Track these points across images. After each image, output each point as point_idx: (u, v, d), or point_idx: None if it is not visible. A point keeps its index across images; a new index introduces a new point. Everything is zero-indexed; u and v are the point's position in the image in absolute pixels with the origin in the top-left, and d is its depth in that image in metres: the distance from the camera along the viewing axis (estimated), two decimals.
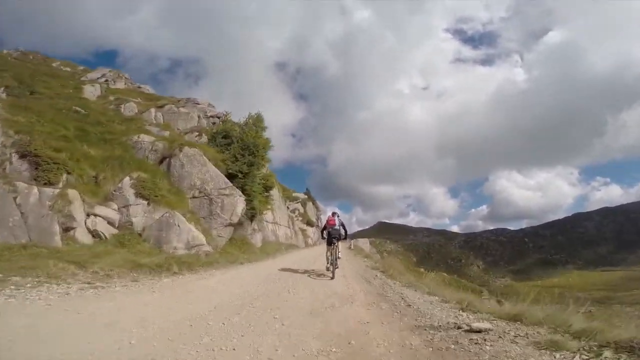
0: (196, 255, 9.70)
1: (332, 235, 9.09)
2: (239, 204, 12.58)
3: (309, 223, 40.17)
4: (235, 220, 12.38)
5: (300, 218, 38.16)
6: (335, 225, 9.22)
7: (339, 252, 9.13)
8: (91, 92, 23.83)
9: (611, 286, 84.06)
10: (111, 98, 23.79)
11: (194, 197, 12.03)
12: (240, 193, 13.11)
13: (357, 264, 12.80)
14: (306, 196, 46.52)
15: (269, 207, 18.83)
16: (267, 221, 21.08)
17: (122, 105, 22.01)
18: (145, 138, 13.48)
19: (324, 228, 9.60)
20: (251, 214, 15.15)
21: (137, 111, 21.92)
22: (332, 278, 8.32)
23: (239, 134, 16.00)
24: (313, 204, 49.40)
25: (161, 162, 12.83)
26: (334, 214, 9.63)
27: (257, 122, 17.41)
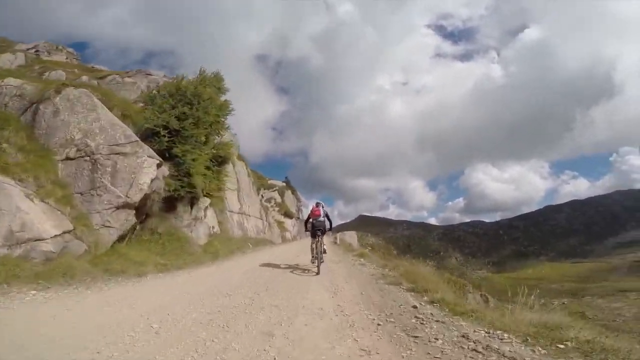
0: (22, 260, 5.04)
1: (315, 227, 8.44)
2: (146, 170, 7.60)
3: (288, 214, 34.68)
4: (136, 197, 7.29)
5: (277, 208, 32.71)
6: (319, 216, 8.54)
7: (323, 245, 8.58)
8: (9, 60, 18.95)
9: (581, 278, 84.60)
10: (36, 67, 18.76)
11: (67, 158, 6.95)
12: (153, 154, 8.24)
13: (353, 271, 8.69)
14: (284, 184, 41.58)
15: (223, 187, 13.89)
16: (231, 211, 16.53)
17: (47, 73, 16.98)
18: (12, 82, 8.43)
19: (308, 219, 8.93)
20: (190, 197, 10.52)
21: (64, 79, 16.74)
22: (317, 273, 7.67)
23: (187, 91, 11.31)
24: (293, 193, 43.69)
25: (26, 111, 7.95)
26: (318, 204, 8.84)
27: (215, 81, 12.74)
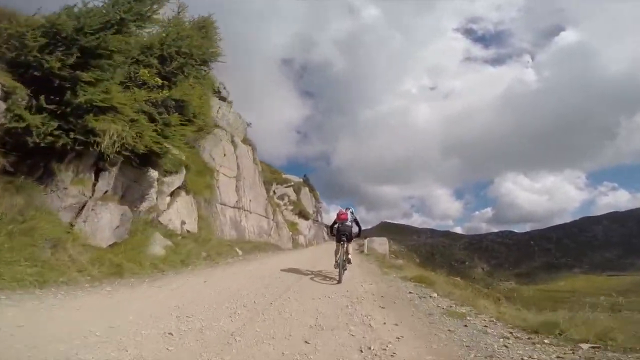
0: None
1: (341, 232, 7.80)
2: None
3: (303, 215, 29.83)
4: None
5: (290, 207, 28.45)
6: (346, 220, 7.91)
7: (349, 254, 8.10)
8: None
9: (619, 291, 72.10)
10: None
11: None
12: None
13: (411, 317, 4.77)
14: (302, 181, 36.25)
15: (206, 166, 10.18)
16: (223, 203, 12.88)
17: None
18: None
19: (334, 223, 8.27)
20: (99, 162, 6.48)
21: None
22: (339, 282, 7.12)
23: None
24: (312, 192, 38.58)
25: None
26: (346, 208, 8.14)
27: (205, 25, 9.15)
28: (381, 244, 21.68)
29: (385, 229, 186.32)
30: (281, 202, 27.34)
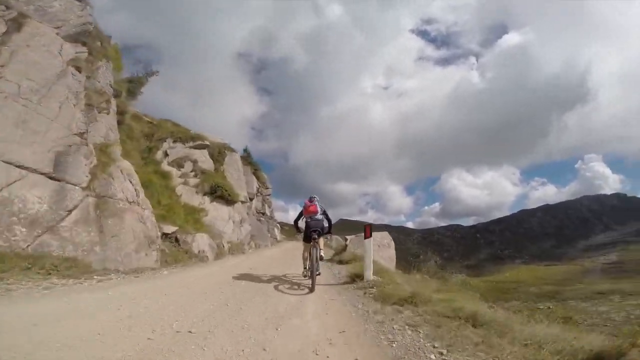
0: None
1: (311, 228, 6.11)
2: None
3: (223, 197, 15.90)
4: None
5: (197, 177, 17.36)
6: (316, 213, 6.24)
7: (320, 250, 6.08)
8: None
9: (557, 280, 79.98)
10: None
11: None
12: None
13: None
14: (232, 149, 22.29)
15: None
16: None
17: None
18: None
19: (299, 218, 6.63)
20: None
21: None
22: (311, 291, 5.57)
23: None
24: (253, 170, 27.32)
25: None
26: (312, 198, 6.46)
27: None
28: (384, 247, 13.70)
29: (344, 226, 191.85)
30: (178, 171, 16.10)
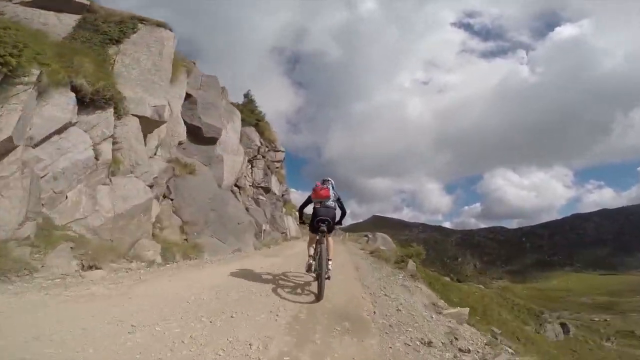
0: None
1: (320, 217, 4.59)
2: None
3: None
4: None
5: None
6: (328, 198, 4.71)
7: (330, 250, 4.66)
8: None
9: (612, 291, 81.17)
10: None
11: None
12: None
13: None
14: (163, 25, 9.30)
15: None
16: None
17: None
18: None
19: (306, 203, 5.08)
20: None
21: None
22: (318, 299, 4.23)
23: None
24: (252, 116, 18.74)
25: None
26: (325, 181, 5.00)
27: None
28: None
29: (377, 223, 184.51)
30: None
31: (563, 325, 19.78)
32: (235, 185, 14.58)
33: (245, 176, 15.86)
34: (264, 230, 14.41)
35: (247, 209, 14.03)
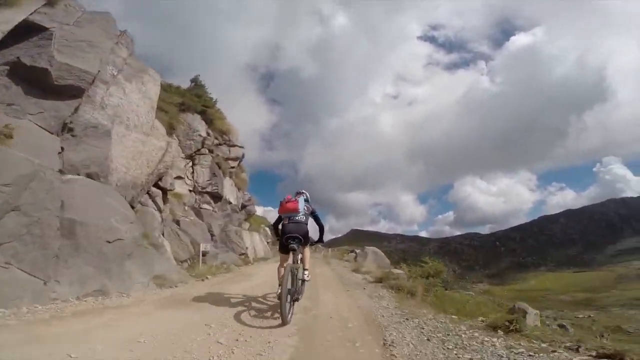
0: None
1: (289, 234, 4.30)
2: None
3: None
4: None
5: None
6: (297, 212, 4.40)
7: (305, 271, 4.44)
8: None
9: (588, 287, 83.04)
10: None
11: None
12: None
13: None
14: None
15: None
16: None
17: None
18: None
19: (277, 221, 4.80)
20: None
21: None
22: (283, 324, 3.89)
23: None
24: (199, 100, 15.55)
25: None
26: (298, 193, 4.77)
27: None
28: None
29: (356, 237, 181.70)
30: None
31: (561, 327, 19.01)
32: (156, 186, 10.19)
33: (185, 177, 12.16)
34: (203, 251, 10.92)
35: (177, 222, 10.66)
